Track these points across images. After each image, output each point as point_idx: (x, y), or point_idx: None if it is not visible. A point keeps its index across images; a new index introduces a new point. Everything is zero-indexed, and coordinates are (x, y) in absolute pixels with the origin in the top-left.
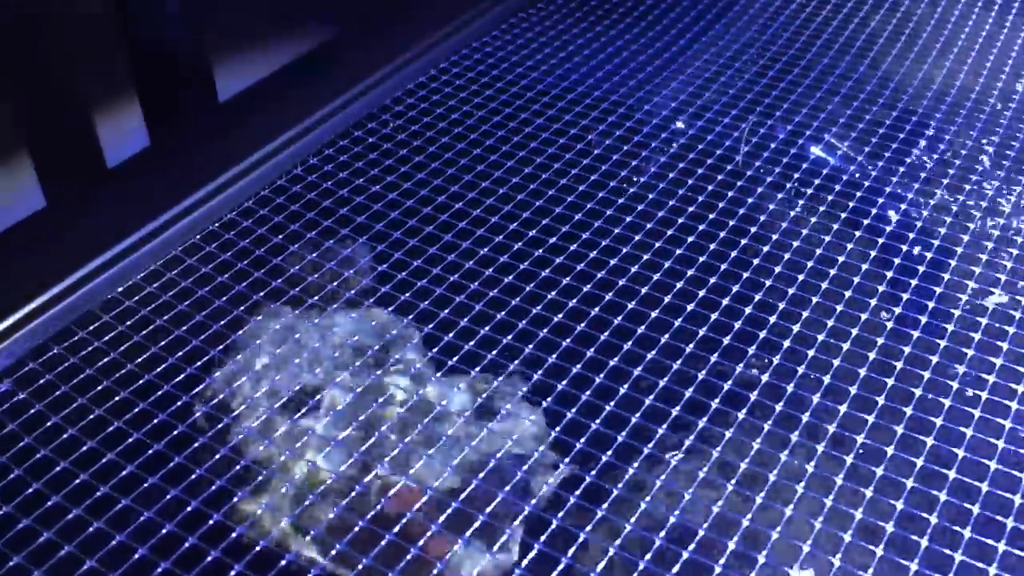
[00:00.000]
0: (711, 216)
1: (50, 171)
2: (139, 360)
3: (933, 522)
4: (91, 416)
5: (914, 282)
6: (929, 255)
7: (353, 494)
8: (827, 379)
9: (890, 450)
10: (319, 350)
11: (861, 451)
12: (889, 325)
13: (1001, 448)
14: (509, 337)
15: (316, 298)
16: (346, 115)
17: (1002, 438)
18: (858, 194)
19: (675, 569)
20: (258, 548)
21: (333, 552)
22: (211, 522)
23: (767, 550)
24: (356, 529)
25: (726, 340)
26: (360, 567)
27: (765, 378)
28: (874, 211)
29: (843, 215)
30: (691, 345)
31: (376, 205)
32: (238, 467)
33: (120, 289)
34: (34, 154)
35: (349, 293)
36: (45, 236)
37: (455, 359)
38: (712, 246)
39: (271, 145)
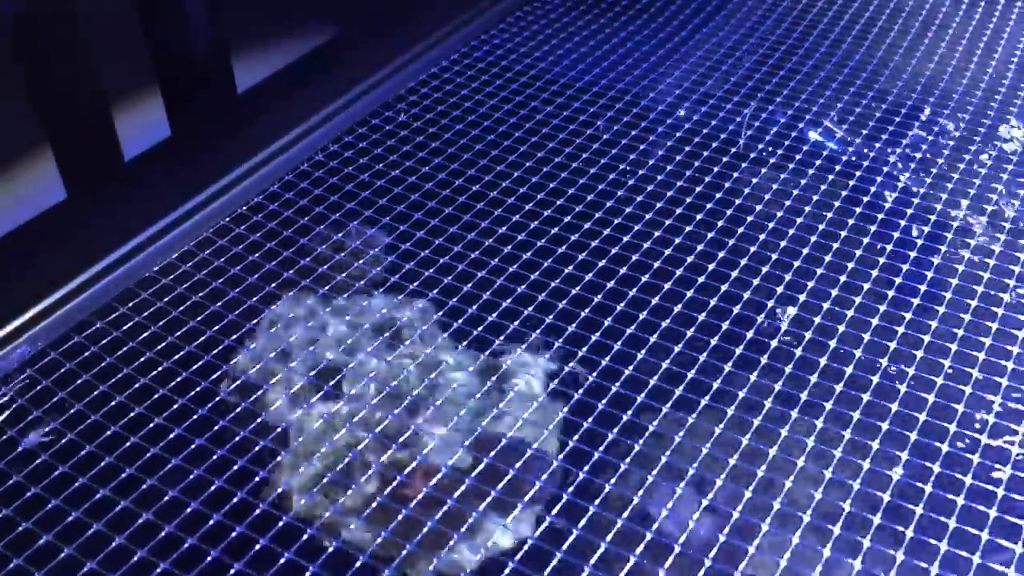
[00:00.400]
0: (717, 195)
1: (71, 164)
2: (178, 333)
3: (936, 472)
4: (136, 385)
5: (913, 253)
6: (927, 229)
7: (374, 468)
8: (832, 343)
9: (894, 406)
10: (344, 327)
11: (865, 408)
12: (890, 294)
13: (996, 409)
14: (530, 308)
15: (341, 276)
16: (362, 104)
17: (999, 394)
18: (857, 174)
19: (694, 519)
20: (292, 512)
21: (352, 526)
22: (257, 478)
23: (781, 496)
24: (374, 505)
25: (736, 309)
26: (379, 540)
27: (774, 343)
28: (872, 188)
29: (843, 193)
30: (692, 328)
31: (397, 188)
32: (275, 432)
33: (156, 268)
34: (56, 146)
35: (375, 270)
36: (76, 223)
37: (479, 329)
38: (720, 223)
39: (292, 133)
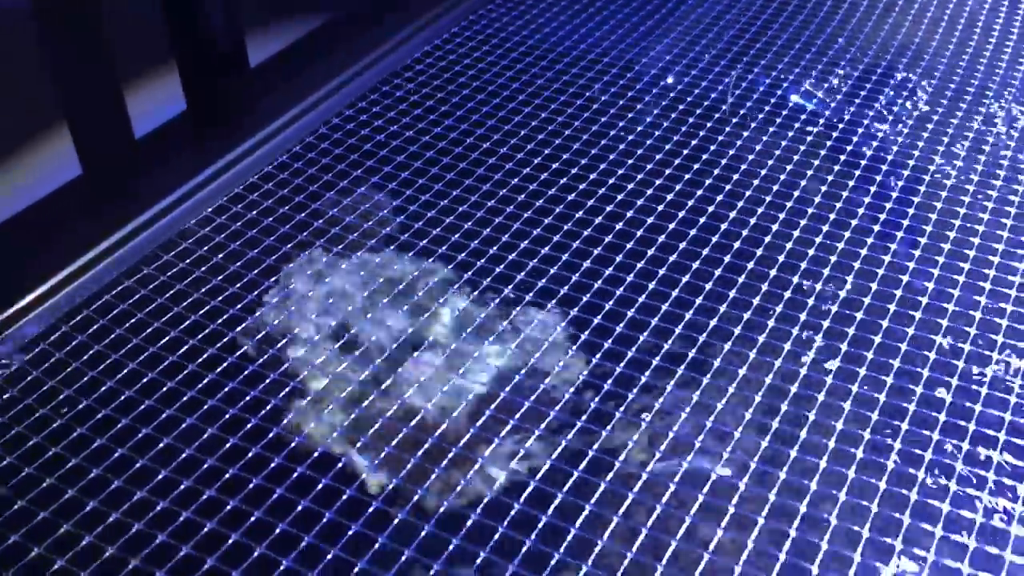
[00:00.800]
0: (710, 147)
1: (89, 138)
2: (204, 289)
3: (925, 376)
4: (182, 326)
5: (893, 194)
6: (906, 172)
7: (396, 407)
8: (824, 272)
9: (885, 323)
10: (359, 283)
11: (858, 325)
12: (876, 228)
13: (968, 347)
14: (546, 248)
15: (354, 236)
16: (372, 74)
17: (974, 324)
18: (836, 131)
19: (689, 458)
20: (316, 454)
21: (383, 454)
22: (271, 435)
23: (777, 421)
24: (401, 435)
25: (734, 245)
26: (409, 466)
27: (772, 273)
28: (853, 140)
29: (827, 143)
30: (697, 261)
31: (412, 147)
32: (289, 388)
33: (192, 222)
34: (72, 121)
35: (396, 220)
36: (93, 196)
37: (498, 268)
38: (715, 171)
39: (304, 103)
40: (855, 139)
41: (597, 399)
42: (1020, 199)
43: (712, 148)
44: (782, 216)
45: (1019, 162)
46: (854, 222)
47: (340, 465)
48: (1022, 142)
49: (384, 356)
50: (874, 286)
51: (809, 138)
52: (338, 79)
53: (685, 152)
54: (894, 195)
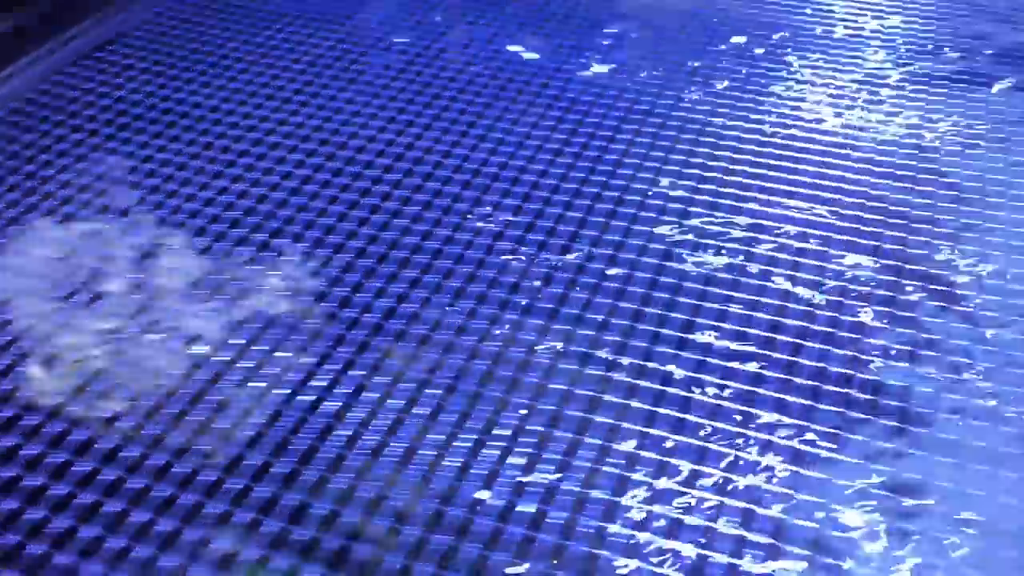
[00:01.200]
0: (442, 102)
1: None
2: None
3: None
4: None
5: (613, 133)
6: (618, 113)
7: (128, 365)
8: (554, 209)
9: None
10: (88, 250)
11: (600, 275)
12: (599, 167)
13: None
14: (285, 209)
15: (77, 204)
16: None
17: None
18: (555, 76)
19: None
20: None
21: (112, 411)
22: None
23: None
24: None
25: (458, 177)
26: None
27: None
28: (570, 87)
29: (541, 88)
30: (436, 195)
31: (134, 108)
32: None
33: None
34: None
35: (121, 182)
36: None
37: (234, 231)
38: (446, 136)
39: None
40: (570, 84)
41: (330, 344)
42: (740, 135)
43: (432, 94)
44: (527, 153)
45: (741, 105)
46: (578, 163)
47: (72, 419)
48: (731, 96)
49: (118, 311)
50: (596, 235)
51: (527, 88)
52: (47, 46)
53: (407, 117)
54: (614, 136)
